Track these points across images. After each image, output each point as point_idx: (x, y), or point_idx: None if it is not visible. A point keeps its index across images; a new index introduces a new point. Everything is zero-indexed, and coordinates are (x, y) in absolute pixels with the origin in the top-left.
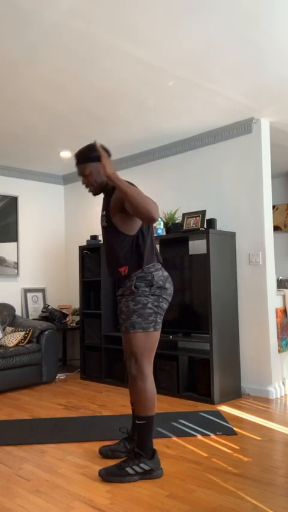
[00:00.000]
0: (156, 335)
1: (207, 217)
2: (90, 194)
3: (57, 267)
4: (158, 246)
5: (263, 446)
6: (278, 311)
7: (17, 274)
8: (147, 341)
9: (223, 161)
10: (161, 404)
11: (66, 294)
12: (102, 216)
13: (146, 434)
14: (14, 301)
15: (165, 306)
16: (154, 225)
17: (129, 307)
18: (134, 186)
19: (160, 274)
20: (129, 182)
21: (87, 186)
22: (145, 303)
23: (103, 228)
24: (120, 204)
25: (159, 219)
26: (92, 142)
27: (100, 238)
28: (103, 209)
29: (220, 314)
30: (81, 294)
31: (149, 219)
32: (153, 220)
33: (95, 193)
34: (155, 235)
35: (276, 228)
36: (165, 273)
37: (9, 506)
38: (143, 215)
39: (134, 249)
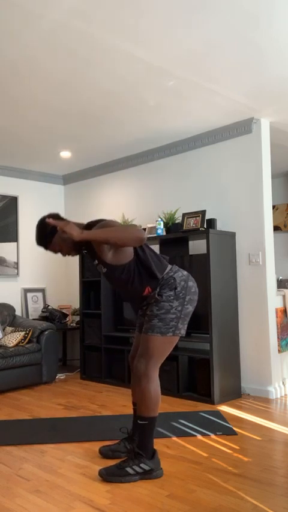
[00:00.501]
0: (174, 340)
1: (207, 217)
2: (90, 194)
3: (57, 267)
4: (158, 246)
5: (263, 446)
6: (278, 311)
7: (17, 274)
8: (163, 345)
9: (223, 161)
10: (161, 404)
11: (66, 294)
12: (96, 265)
13: (148, 434)
14: (14, 301)
15: (190, 308)
16: (154, 225)
17: (153, 312)
18: (104, 221)
19: (180, 274)
20: (97, 222)
21: (68, 255)
22: (168, 308)
23: (104, 273)
24: (104, 247)
25: (160, 219)
26: (40, 220)
27: None
28: (93, 259)
29: (220, 314)
30: (81, 294)
31: (138, 243)
32: (142, 240)
33: (78, 253)
34: (154, 235)
35: (276, 228)
36: (185, 272)
37: (9, 506)
38: (131, 243)
39: (141, 269)
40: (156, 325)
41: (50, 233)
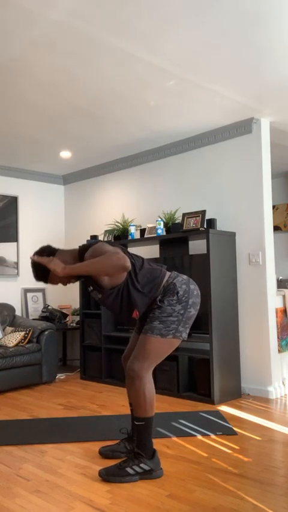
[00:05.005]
0: (174, 342)
1: (207, 217)
2: (90, 194)
3: None
4: (158, 246)
5: (263, 446)
6: (278, 311)
7: (17, 274)
8: (161, 347)
9: (223, 161)
10: (161, 404)
11: (66, 294)
12: (91, 291)
13: (145, 435)
14: (14, 301)
15: (193, 312)
16: (154, 225)
17: (155, 314)
18: (95, 245)
19: (180, 279)
20: (85, 247)
21: (69, 283)
22: (170, 312)
23: (100, 299)
24: (96, 276)
25: (160, 219)
26: (31, 259)
27: (100, 238)
28: (88, 286)
29: (220, 314)
30: (81, 294)
31: (121, 271)
32: (126, 268)
33: (76, 281)
34: (154, 235)
35: (276, 228)
36: (185, 276)
37: (9, 506)
38: (115, 273)
39: (138, 287)
40: (157, 326)
41: (44, 270)
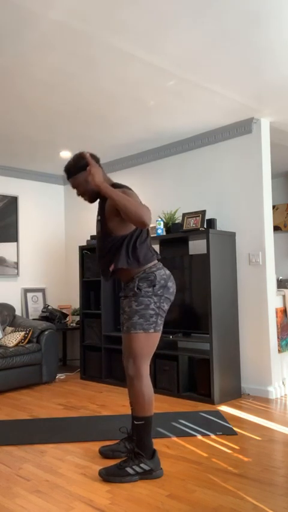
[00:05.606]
0: (156, 336)
1: (207, 217)
2: None
3: (57, 267)
4: (158, 246)
5: (263, 446)
6: (278, 311)
7: (17, 274)
8: (147, 342)
9: (223, 161)
10: (161, 404)
11: (66, 294)
12: (98, 221)
13: (145, 434)
14: (14, 301)
15: (166, 307)
16: (154, 225)
17: (132, 308)
18: (129, 190)
19: (162, 273)
20: (123, 186)
21: (82, 196)
22: (148, 303)
23: (98, 233)
24: (115, 209)
25: (160, 219)
26: (80, 152)
27: None
28: (98, 214)
29: (220, 314)
30: (81, 294)
31: (140, 225)
32: (144, 225)
33: (91, 201)
34: (154, 235)
35: (276, 228)
36: (167, 272)
37: (9, 506)
38: (134, 221)
39: (125, 248)
40: (138, 322)
41: (80, 167)
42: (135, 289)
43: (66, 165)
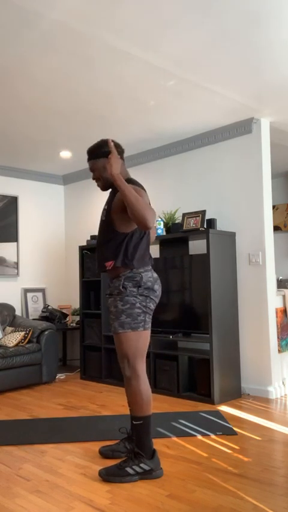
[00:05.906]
0: (146, 334)
1: (207, 217)
2: (90, 194)
3: (57, 267)
4: (158, 246)
5: (263, 446)
6: (278, 311)
7: (17, 274)
8: (138, 341)
9: (223, 161)
10: (161, 404)
11: (66, 294)
12: (104, 210)
13: (144, 434)
14: (14, 301)
15: (152, 306)
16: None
17: (118, 307)
18: (141, 189)
19: (149, 275)
20: (137, 184)
21: (96, 181)
22: (133, 302)
23: (101, 221)
24: (122, 203)
25: (160, 219)
26: (107, 139)
27: None
28: (106, 203)
29: (220, 314)
30: (81, 294)
31: (142, 225)
32: (146, 227)
33: (103, 189)
34: (154, 235)
35: (276, 228)
36: (155, 275)
37: (9, 506)
38: (137, 220)
39: (124, 248)
40: (125, 321)
41: (103, 152)
42: (121, 287)
43: (90, 147)
